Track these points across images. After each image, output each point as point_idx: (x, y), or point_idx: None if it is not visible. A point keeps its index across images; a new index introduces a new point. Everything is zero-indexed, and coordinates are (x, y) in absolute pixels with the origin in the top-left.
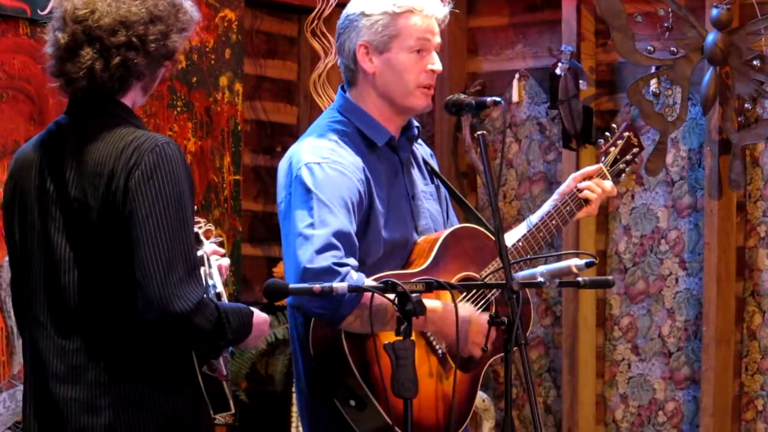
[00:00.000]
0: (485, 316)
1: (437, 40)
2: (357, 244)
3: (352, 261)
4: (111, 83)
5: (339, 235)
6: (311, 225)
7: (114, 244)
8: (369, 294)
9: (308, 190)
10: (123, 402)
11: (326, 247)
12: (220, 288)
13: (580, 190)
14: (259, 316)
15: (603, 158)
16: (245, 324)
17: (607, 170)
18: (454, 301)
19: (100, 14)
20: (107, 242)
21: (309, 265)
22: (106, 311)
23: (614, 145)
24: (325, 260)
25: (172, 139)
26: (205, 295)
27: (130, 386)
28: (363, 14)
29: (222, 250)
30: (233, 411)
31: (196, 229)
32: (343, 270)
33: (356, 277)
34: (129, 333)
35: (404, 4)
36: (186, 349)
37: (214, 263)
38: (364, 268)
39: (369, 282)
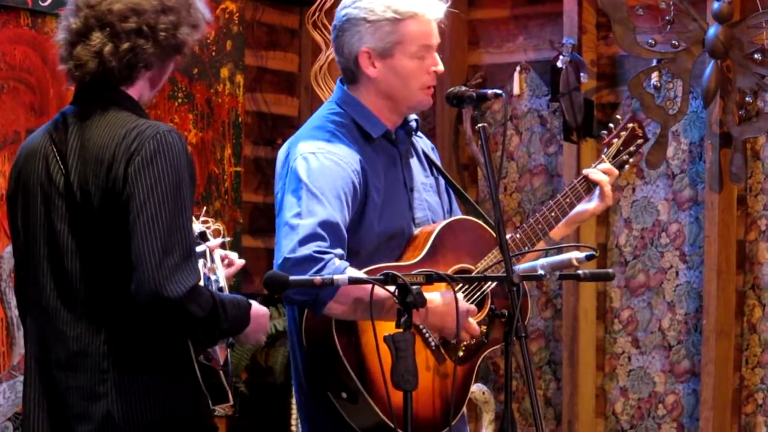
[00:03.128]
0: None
1: (436, 40)
2: (345, 234)
3: (338, 251)
4: (119, 69)
5: (325, 225)
6: (298, 215)
7: (114, 231)
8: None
9: (299, 180)
10: (122, 389)
11: (310, 237)
12: (222, 282)
13: (585, 177)
14: (258, 309)
15: (605, 150)
16: (242, 315)
17: (610, 161)
18: (454, 292)
19: (113, 0)
20: (108, 229)
21: (290, 255)
22: (107, 298)
23: (617, 136)
24: (308, 249)
25: (175, 128)
26: (200, 283)
27: (129, 374)
28: (365, 20)
29: (236, 262)
30: (232, 402)
31: (203, 228)
32: (324, 257)
33: (338, 265)
34: (129, 321)
35: (406, 10)
36: (179, 336)
37: (218, 258)
38: (358, 258)
39: (352, 271)
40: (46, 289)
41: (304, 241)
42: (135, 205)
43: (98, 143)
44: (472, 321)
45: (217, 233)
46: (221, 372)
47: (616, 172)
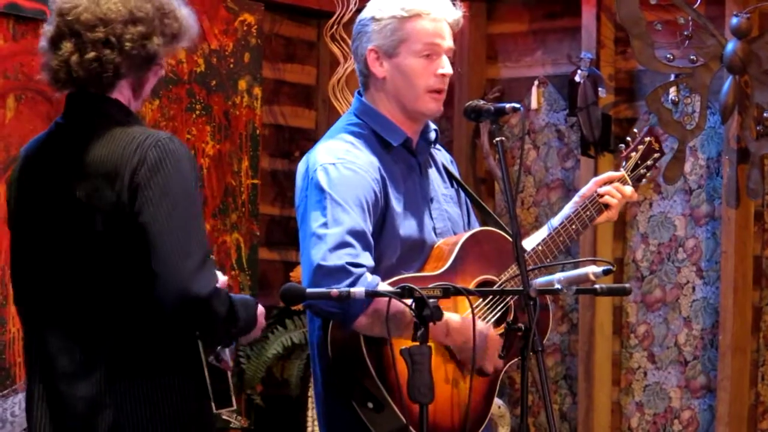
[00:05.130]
0: (497, 334)
1: (448, 44)
2: (372, 241)
3: (367, 257)
4: (88, 78)
5: (353, 232)
6: (324, 224)
7: (120, 244)
8: (382, 297)
9: (322, 191)
10: (128, 398)
11: (340, 245)
12: None
13: (600, 195)
14: (259, 308)
15: (624, 163)
16: (252, 315)
17: (628, 175)
18: (471, 306)
19: (83, 9)
20: (113, 242)
21: (323, 263)
22: (112, 309)
23: (635, 150)
24: (339, 258)
25: (174, 135)
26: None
27: (135, 383)
28: (373, 19)
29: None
30: (235, 406)
31: None
32: (357, 271)
33: (370, 280)
34: (134, 330)
35: (412, 8)
36: (203, 334)
37: None
38: (380, 269)
39: (384, 285)
40: (51, 302)
41: (334, 249)
42: (148, 214)
43: (98, 159)
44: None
45: None
46: (228, 374)
47: (629, 193)
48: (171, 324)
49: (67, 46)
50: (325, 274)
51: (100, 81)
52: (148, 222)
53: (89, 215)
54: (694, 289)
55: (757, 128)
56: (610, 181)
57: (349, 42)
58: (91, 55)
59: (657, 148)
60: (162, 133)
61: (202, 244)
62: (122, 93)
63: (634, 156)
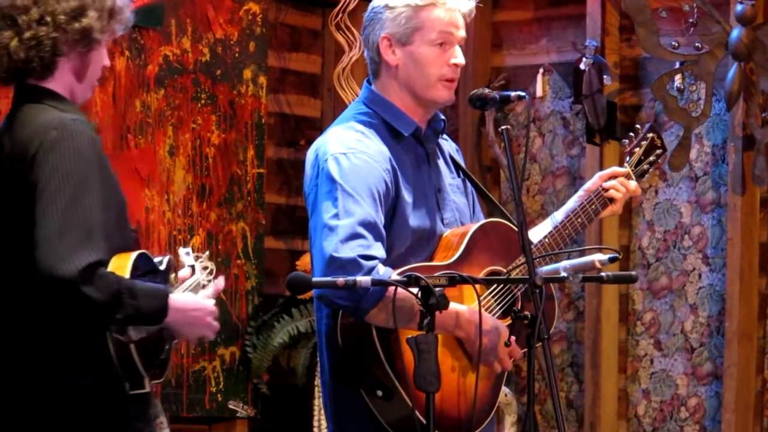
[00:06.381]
0: (506, 325)
1: (461, 33)
2: (384, 232)
3: (379, 248)
4: (27, 60)
5: (364, 223)
6: (336, 215)
7: (20, 222)
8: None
9: (333, 181)
10: (34, 383)
11: (351, 237)
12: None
13: (605, 189)
14: (187, 303)
15: (627, 158)
16: (157, 304)
17: (632, 170)
18: (477, 295)
19: None
20: (16, 222)
21: (335, 254)
22: (21, 294)
23: (638, 145)
24: (351, 250)
25: (83, 119)
26: (102, 268)
27: (40, 367)
28: (387, 6)
29: (212, 297)
30: (147, 389)
31: (191, 261)
32: (368, 264)
33: (382, 273)
34: (37, 314)
35: None
36: (79, 319)
37: (187, 284)
38: (389, 258)
39: (396, 276)
40: None
41: (345, 241)
42: (38, 189)
43: (17, 144)
44: (514, 348)
45: (211, 272)
46: (132, 347)
47: (633, 188)
48: (48, 306)
49: (6, 34)
50: (337, 266)
51: (41, 61)
52: (37, 198)
53: (12, 202)
54: (700, 276)
55: (763, 115)
56: (614, 176)
57: (354, 31)
58: (28, 34)
59: (659, 144)
60: (70, 115)
61: (85, 223)
62: (63, 77)
63: (638, 152)
